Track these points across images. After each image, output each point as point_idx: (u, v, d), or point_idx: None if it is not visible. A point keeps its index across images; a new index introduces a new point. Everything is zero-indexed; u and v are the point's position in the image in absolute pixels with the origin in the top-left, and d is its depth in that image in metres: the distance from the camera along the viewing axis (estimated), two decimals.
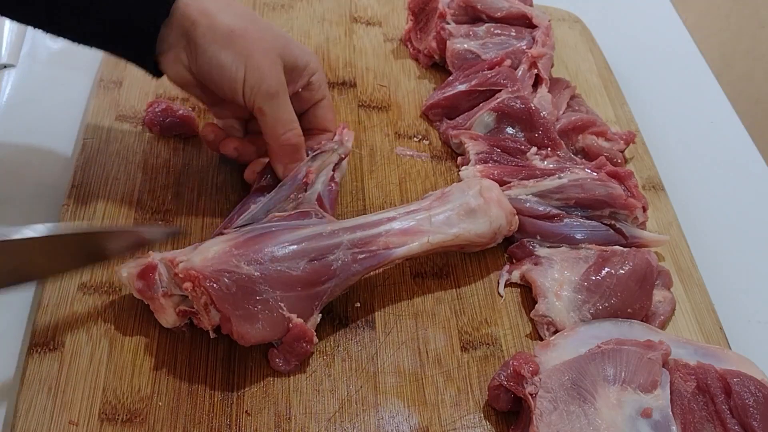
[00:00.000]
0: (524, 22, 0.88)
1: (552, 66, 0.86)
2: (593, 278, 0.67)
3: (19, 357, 0.61)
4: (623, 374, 0.58)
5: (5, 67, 0.84)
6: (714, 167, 0.88)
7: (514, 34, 0.87)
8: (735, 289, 0.75)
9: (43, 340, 0.60)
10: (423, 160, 0.80)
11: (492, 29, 0.87)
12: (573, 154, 0.80)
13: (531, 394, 0.57)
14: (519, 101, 0.78)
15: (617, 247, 0.71)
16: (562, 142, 0.78)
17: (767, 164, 0.90)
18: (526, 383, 0.57)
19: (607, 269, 0.67)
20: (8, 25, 0.88)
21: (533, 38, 0.86)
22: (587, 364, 0.58)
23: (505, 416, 0.61)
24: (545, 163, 0.76)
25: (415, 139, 0.82)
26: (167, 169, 0.74)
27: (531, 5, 0.90)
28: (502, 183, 0.72)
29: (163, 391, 0.59)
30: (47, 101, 0.82)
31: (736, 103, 0.97)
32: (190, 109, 0.79)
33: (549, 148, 0.77)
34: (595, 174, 0.73)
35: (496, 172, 0.73)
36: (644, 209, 0.74)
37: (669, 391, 0.58)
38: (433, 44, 0.88)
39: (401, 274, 0.69)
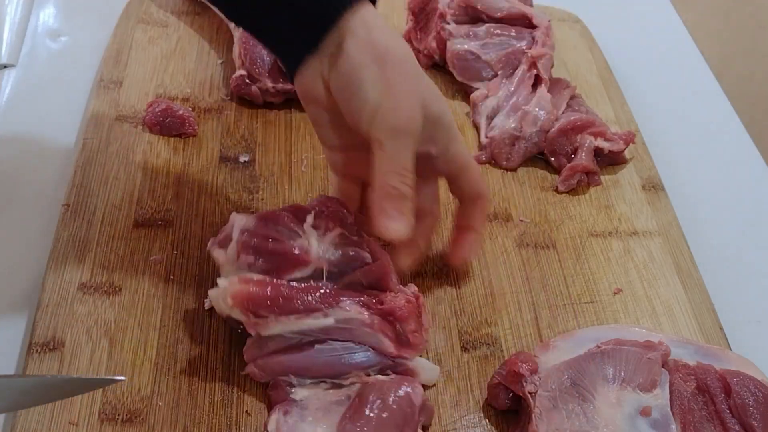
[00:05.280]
0: (524, 23, 0.88)
1: (552, 66, 0.86)
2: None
3: (19, 357, 0.61)
4: (623, 374, 0.58)
5: (5, 67, 0.84)
6: (714, 167, 0.88)
7: (514, 34, 0.87)
8: (735, 289, 0.75)
9: (43, 340, 0.60)
10: None
11: (492, 29, 0.87)
12: (572, 153, 0.79)
13: (530, 393, 0.57)
14: None
15: (379, 377, 0.59)
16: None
17: (767, 164, 0.90)
18: (526, 382, 0.57)
19: (365, 413, 0.55)
20: (8, 25, 0.88)
21: (533, 38, 0.86)
22: (587, 364, 0.58)
23: (505, 416, 0.60)
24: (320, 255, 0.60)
25: None
26: (167, 169, 0.74)
27: (531, 5, 0.90)
28: (257, 314, 0.57)
29: (163, 391, 0.59)
30: (47, 101, 0.82)
31: (736, 103, 0.97)
32: (190, 109, 0.79)
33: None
34: (367, 316, 0.59)
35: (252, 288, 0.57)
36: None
37: (668, 391, 0.58)
38: (433, 44, 0.88)
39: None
